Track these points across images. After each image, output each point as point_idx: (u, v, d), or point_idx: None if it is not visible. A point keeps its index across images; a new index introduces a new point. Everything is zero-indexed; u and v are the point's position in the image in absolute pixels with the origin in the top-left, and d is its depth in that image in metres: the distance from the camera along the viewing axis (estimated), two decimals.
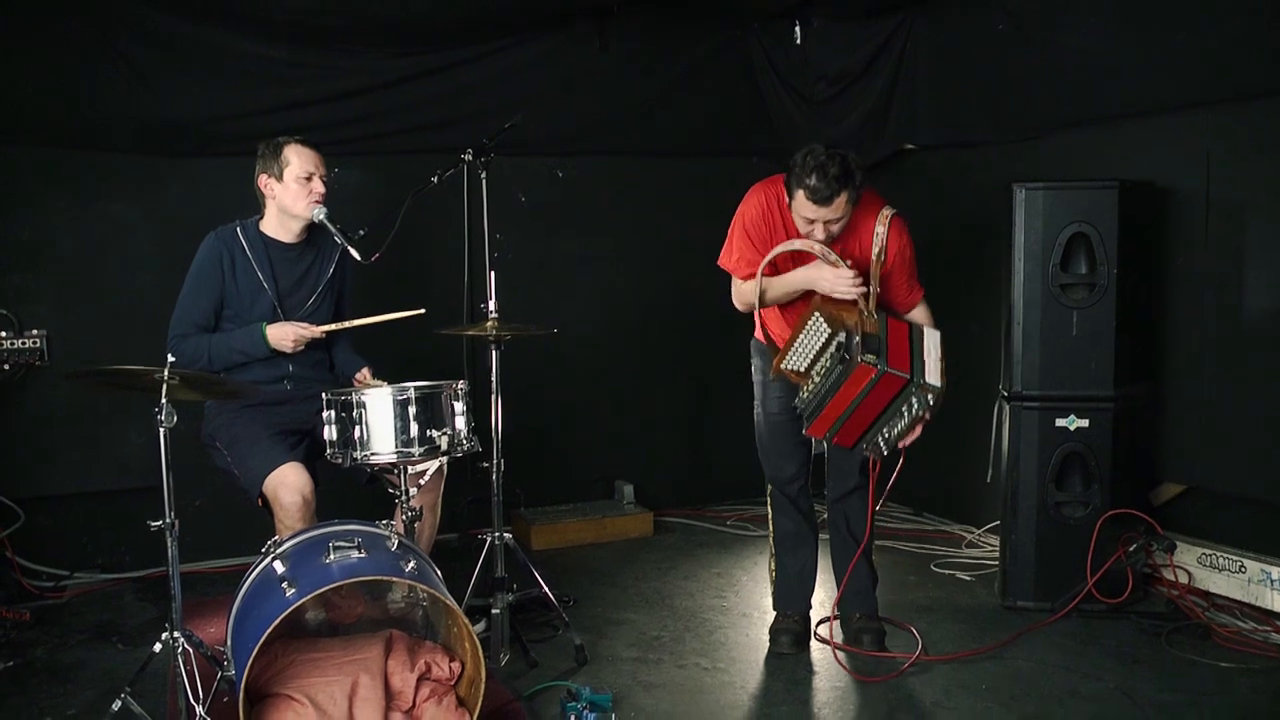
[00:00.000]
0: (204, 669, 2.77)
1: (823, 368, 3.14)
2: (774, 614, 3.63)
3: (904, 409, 3.10)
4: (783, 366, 3.25)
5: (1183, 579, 3.87)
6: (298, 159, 3.47)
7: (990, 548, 4.50)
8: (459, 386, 3.25)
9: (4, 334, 4.08)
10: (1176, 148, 3.88)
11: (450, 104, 4.70)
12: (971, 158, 4.74)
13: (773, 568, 3.67)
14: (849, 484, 3.53)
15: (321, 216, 3.46)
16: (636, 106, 5.12)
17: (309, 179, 3.48)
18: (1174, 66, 3.79)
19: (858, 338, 3.06)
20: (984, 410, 4.21)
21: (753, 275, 3.30)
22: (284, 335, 3.44)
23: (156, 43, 4.19)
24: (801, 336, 3.20)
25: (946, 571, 4.34)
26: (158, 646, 2.77)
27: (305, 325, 3.48)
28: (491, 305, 3.38)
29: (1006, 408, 3.91)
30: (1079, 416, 3.77)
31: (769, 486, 3.64)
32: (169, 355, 3.07)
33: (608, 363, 5.21)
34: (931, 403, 3.09)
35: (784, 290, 3.29)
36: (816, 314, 3.17)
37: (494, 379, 3.43)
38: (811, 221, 3.15)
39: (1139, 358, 3.90)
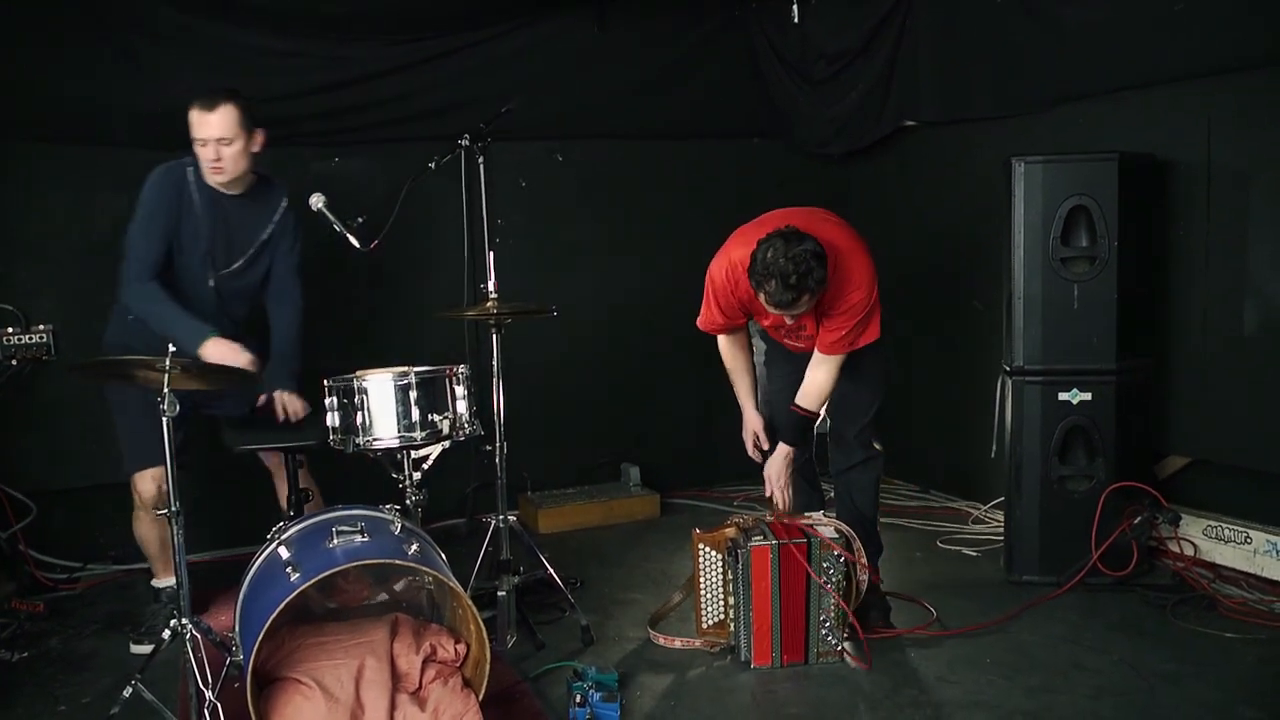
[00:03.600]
0: (213, 655, 2.80)
1: (732, 586, 3.25)
2: None
3: (826, 581, 3.16)
4: (704, 626, 3.36)
5: (1188, 551, 3.86)
6: (195, 124, 3.29)
7: (996, 523, 4.50)
8: (460, 370, 3.26)
9: (11, 329, 4.11)
10: (1177, 119, 3.86)
11: (449, 90, 4.71)
12: (973, 133, 4.71)
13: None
14: (853, 459, 3.53)
15: (320, 205, 3.47)
16: (636, 89, 5.11)
17: (204, 145, 3.29)
18: (1174, 37, 3.76)
19: (741, 537, 3.22)
20: (987, 386, 4.21)
21: (711, 331, 3.45)
22: (222, 355, 3.24)
23: (156, 35, 4.21)
24: (703, 582, 3.33)
25: (952, 547, 4.34)
26: (167, 634, 2.81)
27: (243, 354, 3.29)
28: (491, 285, 3.39)
29: (1009, 382, 3.91)
30: (1081, 390, 3.76)
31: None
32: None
33: (612, 345, 5.22)
34: (841, 559, 3.16)
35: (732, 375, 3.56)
36: (700, 547, 3.32)
37: (495, 362, 3.44)
38: (775, 323, 3.19)
39: (1141, 330, 3.88)
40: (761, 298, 3.06)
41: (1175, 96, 3.86)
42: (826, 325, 3.24)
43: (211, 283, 3.47)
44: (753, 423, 3.57)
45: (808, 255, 2.96)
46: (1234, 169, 3.69)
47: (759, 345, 3.65)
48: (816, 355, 3.32)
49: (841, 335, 3.24)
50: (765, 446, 3.55)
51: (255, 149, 3.41)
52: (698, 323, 3.45)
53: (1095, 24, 4.02)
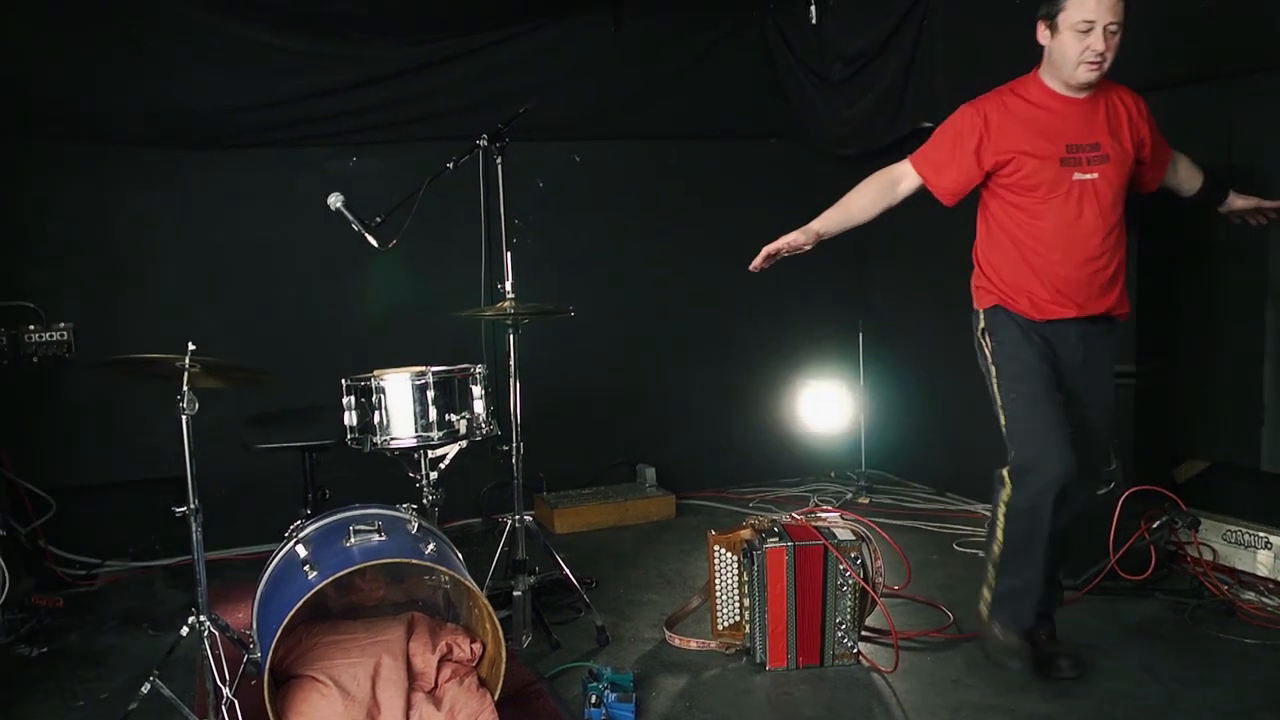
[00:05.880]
0: (231, 652, 2.82)
1: (747, 588, 3.25)
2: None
3: (841, 586, 3.16)
4: (720, 628, 3.37)
5: (1207, 556, 3.83)
6: None
7: None
8: (477, 370, 3.27)
9: (32, 327, 4.14)
10: (1198, 119, 3.83)
11: (466, 91, 4.72)
12: None
13: (991, 585, 3.05)
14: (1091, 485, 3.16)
15: (338, 205, 3.48)
16: (652, 89, 5.12)
17: None
18: (1195, 36, 3.74)
19: (756, 539, 3.22)
20: None
21: (948, 198, 3.17)
22: None
23: (174, 35, 4.24)
24: (718, 584, 3.35)
25: (969, 550, 4.32)
26: (185, 631, 2.82)
27: None
28: (508, 285, 3.40)
29: None
30: None
31: (1007, 490, 3.00)
32: None
33: (629, 346, 5.23)
34: (857, 560, 3.16)
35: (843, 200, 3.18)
36: (716, 548, 3.33)
37: (512, 362, 3.45)
38: (1089, 27, 2.87)
39: (1160, 333, 3.86)
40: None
41: (1197, 96, 3.83)
42: (1156, 139, 3.20)
43: None
44: (793, 238, 3.10)
45: None
46: (1255, 169, 3.66)
47: (997, 335, 3.11)
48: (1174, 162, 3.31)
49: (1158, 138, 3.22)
50: (781, 255, 3.12)
51: None
52: (931, 186, 3.19)
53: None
